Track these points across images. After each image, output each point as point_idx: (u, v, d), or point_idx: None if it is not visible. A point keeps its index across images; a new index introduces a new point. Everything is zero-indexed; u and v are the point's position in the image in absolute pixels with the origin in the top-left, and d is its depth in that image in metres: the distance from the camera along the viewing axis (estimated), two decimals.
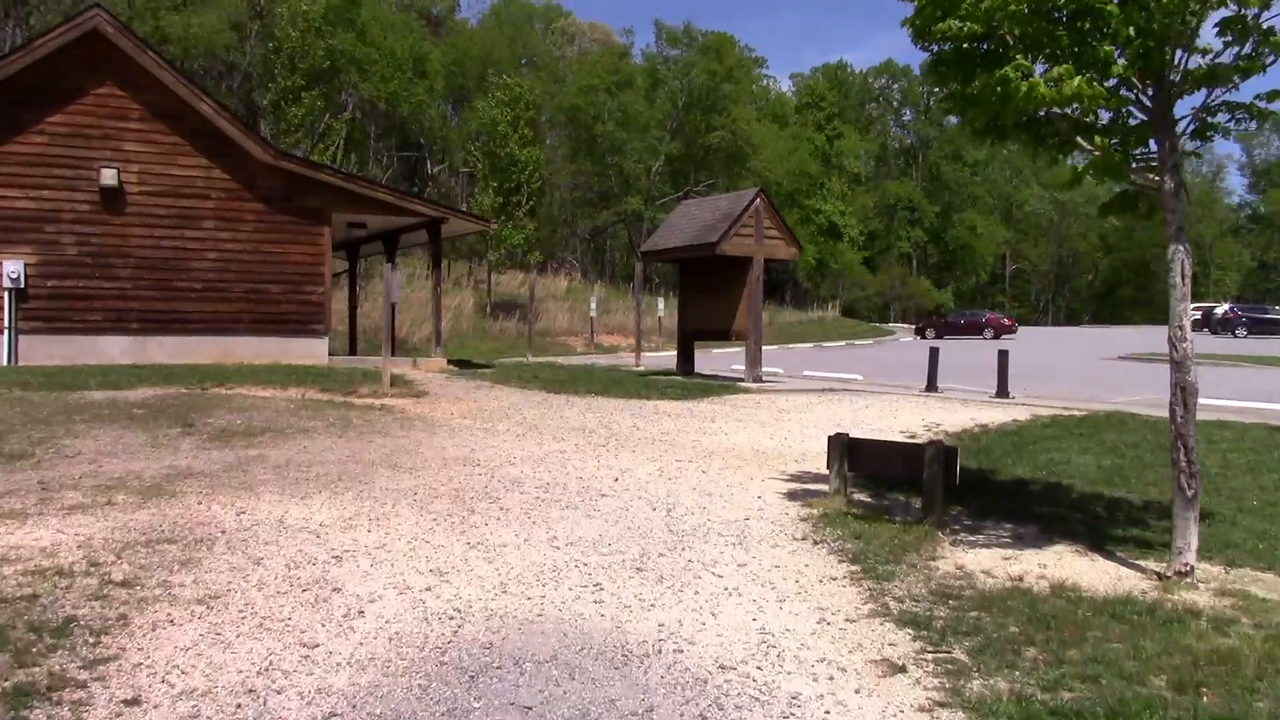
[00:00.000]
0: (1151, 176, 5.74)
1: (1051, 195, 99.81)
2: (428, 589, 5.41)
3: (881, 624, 5.02)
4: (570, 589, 5.49)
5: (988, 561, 6.29)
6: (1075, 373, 26.60)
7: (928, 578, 5.85)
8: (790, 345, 42.88)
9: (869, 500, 8.25)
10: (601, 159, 65.88)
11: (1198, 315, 65.19)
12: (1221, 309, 62.85)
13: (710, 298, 21.20)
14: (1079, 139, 5.90)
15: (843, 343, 47.30)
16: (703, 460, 10.05)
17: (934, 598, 5.43)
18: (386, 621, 4.88)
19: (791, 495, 8.32)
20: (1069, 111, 5.71)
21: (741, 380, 20.07)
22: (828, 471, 8.02)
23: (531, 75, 63.63)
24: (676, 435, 11.81)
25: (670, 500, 7.96)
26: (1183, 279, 5.65)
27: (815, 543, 6.64)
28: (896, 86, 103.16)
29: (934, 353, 19.60)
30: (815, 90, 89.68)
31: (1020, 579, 5.86)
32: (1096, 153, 5.77)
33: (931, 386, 19.06)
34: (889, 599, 5.41)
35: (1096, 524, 7.37)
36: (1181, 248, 5.65)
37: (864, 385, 21.02)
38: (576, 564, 5.98)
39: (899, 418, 14.06)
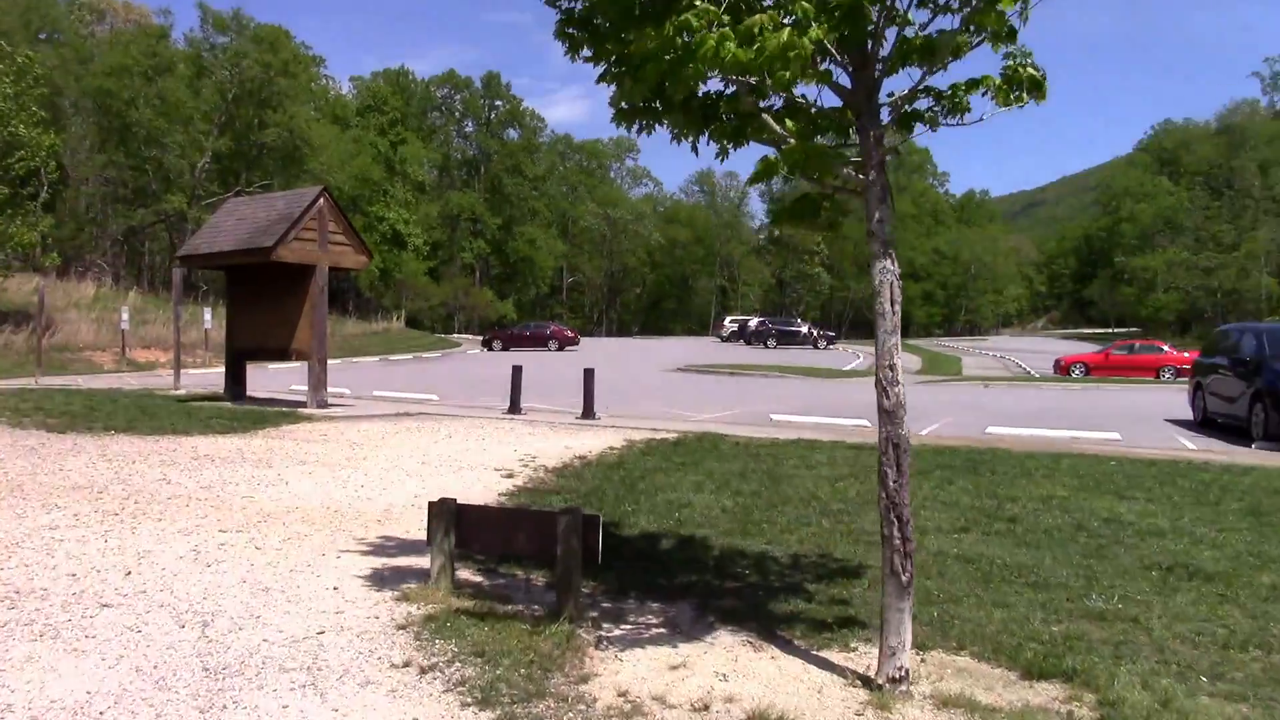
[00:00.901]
0: (857, 174, 4.50)
1: (604, 212, 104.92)
2: None
3: None
4: None
5: (653, 677, 4.74)
6: (647, 387, 26.73)
7: None
8: (356, 359, 40.17)
9: (480, 580, 6.44)
10: (137, 151, 58.37)
11: (734, 327, 71.14)
12: (754, 321, 68.91)
13: (266, 310, 18.38)
14: (769, 120, 4.54)
15: (410, 356, 45.35)
16: (257, 528, 7.71)
17: None
18: None
19: (380, 580, 6.31)
20: (754, 81, 4.30)
21: (304, 405, 17.51)
22: (427, 544, 6.12)
23: (53, 52, 54.79)
24: (222, 489, 9.27)
25: (209, 606, 5.63)
26: (892, 305, 4.44)
27: (424, 670, 4.69)
28: (459, 98, 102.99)
29: (517, 371, 18.31)
30: (377, 94, 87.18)
31: (706, 708, 4.36)
32: (791, 140, 4.44)
33: (515, 408, 17.79)
34: None
35: (754, 596, 6.15)
36: (889, 264, 4.44)
37: (442, 407, 19.31)
38: None
39: (490, 449, 12.51)
